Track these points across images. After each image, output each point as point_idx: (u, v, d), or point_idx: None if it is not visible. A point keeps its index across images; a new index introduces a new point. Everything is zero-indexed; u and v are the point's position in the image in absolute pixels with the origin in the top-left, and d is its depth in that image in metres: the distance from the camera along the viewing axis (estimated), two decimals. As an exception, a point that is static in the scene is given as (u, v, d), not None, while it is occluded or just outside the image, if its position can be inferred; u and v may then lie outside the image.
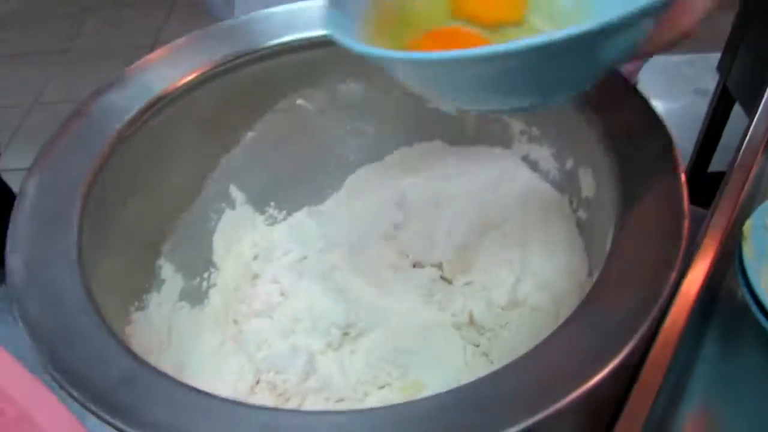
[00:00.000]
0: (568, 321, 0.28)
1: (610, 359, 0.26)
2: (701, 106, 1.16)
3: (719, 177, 0.50)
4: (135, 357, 0.29)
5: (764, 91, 0.57)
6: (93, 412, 0.27)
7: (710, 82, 1.14)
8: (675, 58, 1.48)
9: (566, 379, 0.25)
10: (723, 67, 1.03)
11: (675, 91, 1.44)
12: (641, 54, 0.30)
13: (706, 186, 0.50)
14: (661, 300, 0.28)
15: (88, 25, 2.12)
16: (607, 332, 0.27)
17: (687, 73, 1.47)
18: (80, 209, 0.37)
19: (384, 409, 0.26)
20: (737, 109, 1.05)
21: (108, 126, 0.41)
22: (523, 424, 0.24)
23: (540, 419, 0.24)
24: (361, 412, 0.27)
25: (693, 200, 0.54)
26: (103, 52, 1.95)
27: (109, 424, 0.26)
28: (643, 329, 0.27)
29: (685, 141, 1.18)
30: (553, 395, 0.25)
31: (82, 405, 0.27)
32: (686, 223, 0.31)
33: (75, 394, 0.27)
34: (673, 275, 0.29)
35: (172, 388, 0.28)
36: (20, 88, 1.89)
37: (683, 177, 0.33)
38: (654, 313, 0.27)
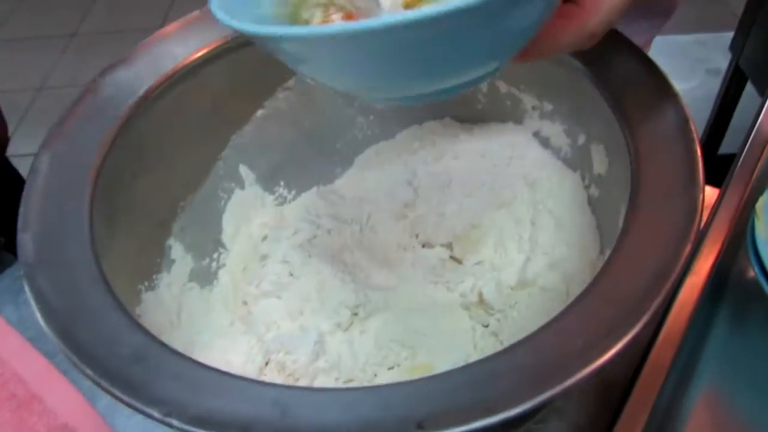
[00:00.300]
0: (582, 296, 0.28)
1: (623, 334, 0.26)
2: (713, 87, 1.14)
3: (731, 159, 0.49)
4: (146, 334, 0.29)
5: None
6: (105, 389, 0.27)
7: (722, 61, 1.12)
8: (687, 38, 1.46)
9: (579, 355, 0.25)
10: (736, 47, 1.02)
11: (686, 71, 1.42)
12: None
13: (716, 167, 0.50)
14: (675, 274, 0.27)
15: (96, 9, 2.12)
16: (620, 307, 0.27)
17: (699, 53, 1.45)
18: (91, 188, 0.36)
19: (394, 386, 0.26)
20: (748, 90, 1.04)
21: (118, 104, 0.41)
22: (536, 400, 0.24)
23: (551, 396, 0.24)
24: (372, 388, 0.27)
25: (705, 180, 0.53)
26: (111, 36, 1.94)
27: (121, 400, 0.26)
28: (656, 304, 0.26)
29: (696, 121, 1.17)
30: (566, 371, 0.25)
31: (94, 382, 0.27)
32: (701, 197, 0.30)
33: (87, 371, 0.27)
34: (688, 249, 0.28)
35: (184, 364, 0.28)
36: (27, 73, 1.89)
37: (699, 151, 0.32)
38: (668, 287, 0.27)
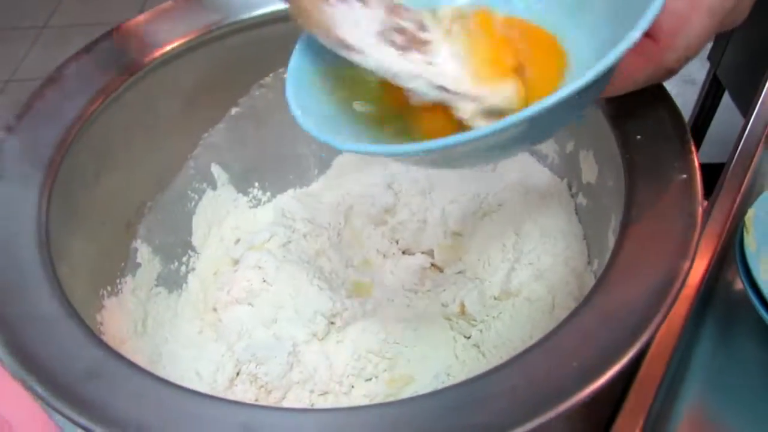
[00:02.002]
0: (575, 313, 0.26)
1: (621, 356, 0.24)
2: (689, 96, 1.14)
3: (707, 168, 0.48)
4: (104, 347, 0.27)
5: (759, 80, 0.55)
6: (55, 408, 0.24)
7: (698, 71, 1.13)
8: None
9: (574, 377, 0.24)
10: (714, 57, 1.02)
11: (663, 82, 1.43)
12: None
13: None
14: (675, 292, 0.26)
15: (67, 1, 2.06)
16: (617, 326, 0.25)
17: (676, 63, 1.46)
18: (48, 188, 0.34)
19: (375, 408, 0.24)
20: (726, 100, 1.04)
21: (81, 96, 0.38)
22: (528, 426, 0.22)
23: (545, 421, 0.22)
24: (351, 410, 0.25)
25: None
26: (83, 29, 1.89)
27: (73, 421, 0.24)
28: (656, 323, 0.25)
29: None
30: (560, 395, 0.23)
31: (44, 400, 0.24)
32: (700, 210, 0.29)
33: (36, 387, 0.25)
34: (687, 265, 0.27)
35: (145, 381, 0.26)
36: (-5, 65, 1.83)
37: (697, 162, 0.31)
38: (667, 305, 0.26)
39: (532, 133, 0.26)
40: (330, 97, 0.30)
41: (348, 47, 0.27)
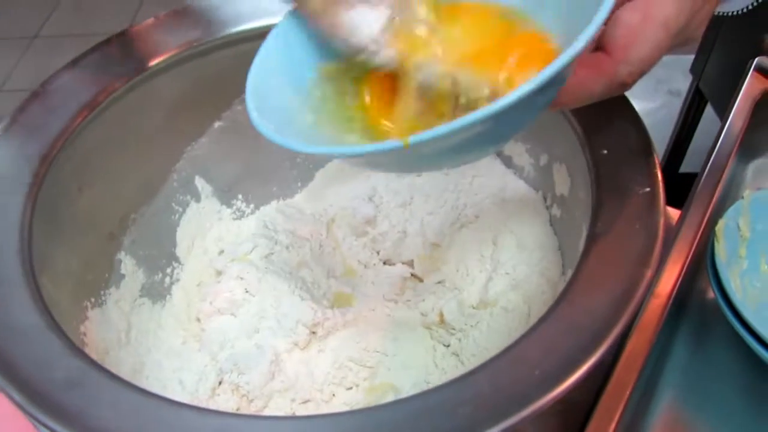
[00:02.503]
0: (540, 322, 0.27)
1: (581, 363, 0.25)
2: (675, 107, 1.16)
3: (691, 178, 0.49)
4: (83, 358, 0.28)
5: (736, 92, 0.57)
6: (34, 417, 0.25)
7: (684, 83, 1.15)
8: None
9: (537, 384, 0.24)
10: (696, 69, 1.04)
11: (649, 92, 1.44)
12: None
13: (677, 187, 0.50)
14: (636, 300, 0.27)
15: (59, 11, 2.07)
16: (579, 335, 0.26)
17: (661, 74, 1.48)
18: (31, 200, 0.35)
19: (346, 415, 0.25)
20: (709, 111, 1.06)
21: (65, 110, 0.39)
22: (514, 419, 0.23)
23: (509, 426, 0.23)
24: (323, 417, 0.25)
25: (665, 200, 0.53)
26: (74, 39, 1.90)
27: (51, 429, 0.24)
28: (616, 333, 0.26)
29: (658, 142, 1.18)
30: (523, 401, 0.24)
31: (22, 408, 0.25)
32: (662, 222, 0.30)
33: (15, 395, 0.25)
34: (649, 274, 0.28)
35: (122, 391, 0.26)
36: (-14, 75, 1.83)
37: (660, 174, 0.32)
38: (628, 315, 0.26)
39: (491, 133, 0.26)
40: (291, 99, 0.30)
41: (359, 49, 0.28)
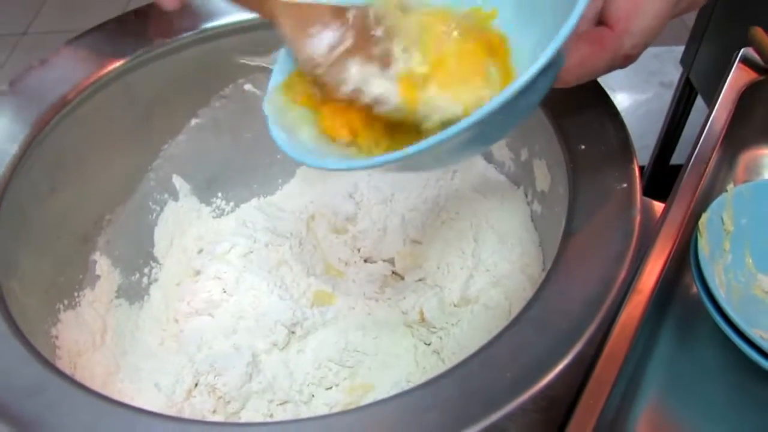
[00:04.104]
0: (513, 323, 0.27)
1: (553, 366, 0.24)
2: (667, 99, 1.15)
3: (679, 170, 0.49)
4: (46, 365, 0.27)
5: (721, 84, 0.56)
6: (-9, 426, 0.24)
7: (676, 75, 1.14)
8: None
9: (507, 388, 0.24)
10: (686, 60, 1.03)
11: (641, 84, 1.44)
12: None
13: (668, 178, 0.49)
14: (610, 298, 0.26)
15: (47, 8, 2.05)
16: (551, 336, 0.25)
17: (653, 66, 1.47)
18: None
19: (310, 421, 0.24)
20: (701, 103, 1.05)
21: (33, 110, 0.38)
22: (483, 424, 0.22)
23: (480, 429, 0.23)
24: (284, 424, 0.25)
25: (655, 193, 0.53)
26: (62, 36, 1.87)
27: (9, 439, 0.24)
28: (590, 332, 0.25)
29: (650, 134, 1.18)
30: (492, 406, 0.23)
31: (-20, 418, 0.24)
32: (638, 219, 0.29)
33: (-27, 405, 0.25)
34: (623, 272, 0.27)
35: (84, 398, 0.26)
36: (-25, 72, 1.82)
37: (637, 171, 0.31)
38: (601, 315, 0.26)
39: (484, 134, 0.27)
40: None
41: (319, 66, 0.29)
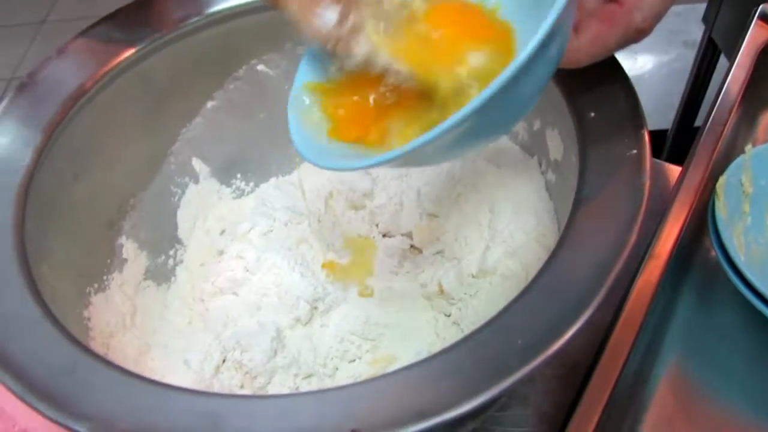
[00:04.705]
0: (524, 292, 0.27)
1: (563, 332, 0.25)
2: (690, 59, 1.13)
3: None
4: (78, 345, 0.28)
5: (740, 42, 0.55)
6: (28, 403, 0.26)
7: (698, 33, 1.11)
8: (662, 10, 1.44)
9: (518, 355, 0.24)
10: (708, 18, 1.00)
11: (663, 44, 1.41)
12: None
13: (692, 140, 0.49)
14: (620, 263, 0.27)
15: (65, -4, 2.07)
16: (562, 303, 0.26)
17: (674, 25, 1.43)
18: (24, 190, 0.35)
19: (330, 392, 0.25)
20: (724, 62, 1.03)
21: (54, 99, 0.39)
22: (471, 405, 0.23)
23: (488, 399, 0.23)
24: (307, 395, 0.26)
25: (680, 155, 0.52)
26: (81, 23, 1.89)
27: (45, 415, 0.25)
28: (599, 299, 0.26)
29: (673, 95, 1.16)
30: (503, 373, 0.24)
31: (18, 395, 0.26)
32: (648, 184, 0.29)
33: (10, 383, 0.26)
34: (633, 237, 0.28)
35: (116, 376, 0.27)
36: (-1, 63, 1.85)
37: (647, 136, 0.31)
38: (613, 276, 0.26)
39: (492, 120, 0.27)
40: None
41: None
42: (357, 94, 0.32)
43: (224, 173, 0.52)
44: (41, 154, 0.37)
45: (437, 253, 0.46)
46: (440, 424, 0.23)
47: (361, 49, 0.29)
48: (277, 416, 0.25)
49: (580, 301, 0.26)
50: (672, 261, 0.42)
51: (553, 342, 0.25)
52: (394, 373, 0.25)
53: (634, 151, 0.31)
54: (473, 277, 0.44)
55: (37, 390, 0.26)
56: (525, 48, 0.23)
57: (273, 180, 0.53)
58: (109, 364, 0.27)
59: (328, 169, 0.30)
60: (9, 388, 0.26)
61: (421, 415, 0.23)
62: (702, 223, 0.44)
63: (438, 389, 0.24)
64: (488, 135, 0.30)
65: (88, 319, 0.39)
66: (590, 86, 0.35)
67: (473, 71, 0.28)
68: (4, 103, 0.38)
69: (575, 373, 0.42)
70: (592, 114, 0.33)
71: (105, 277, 0.43)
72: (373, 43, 0.29)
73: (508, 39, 0.30)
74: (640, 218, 0.28)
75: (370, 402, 0.24)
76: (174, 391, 0.26)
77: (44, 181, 0.37)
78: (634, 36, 0.29)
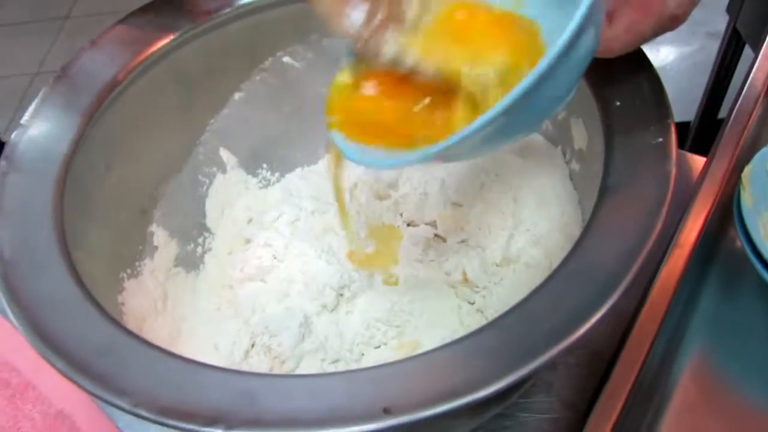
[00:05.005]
0: (550, 278, 0.28)
1: (589, 316, 0.25)
2: (713, 50, 1.12)
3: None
4: (117, 326, 0.29)
5: (765, 30, 0.55)
6: (73, 381, 0.27)
7: (722, 24, 1.10)
8: (685, 1, 1.43)
9: (545, 337, 0.25)
10: (732, 8, 0.99)
11: (686, 35, 1.39)
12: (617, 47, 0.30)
13: (715, 133, 0.49)
14: (646, 250, 0.27)
15: (88, -9, 2.09)
16: (588, 288, 0.26)
17: (697, 15, 1.41)
18: (62, 179, 0.36)
19: (362, 371, 0.26)
20: (747, 53, 1.02)
21: (87, 91, 0.41)
22: (499, 384, 0.24)
23: (516, 379, 0.24)
24: (340, 374, 0.27)
25: (702, 147, 0.52)
26: (105, 18, 1.92)
27: (89, 392, 0.26)
28: (624, 284, 0.26)
29: (697, 87, 1.15)
30: (531, 354, 0.25)
31: (63, 373, 0.27)
32: (674, 172, 0.30)
33: (56, 362, 0.27)
34: (659, 225, 0.28)
35: (154, 355, 0.28)
36: (24, 58, 1.88)
37: (673, 125, 0.32)
38: (638, 264, 0.27)
39: (524, 118, 0.27)
40: None
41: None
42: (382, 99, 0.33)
43: (250, 163, 0.52)
44: (77, 144, 0.38)
45: (461, 241, 0.47)
46: (471, 403, 0.23)
47: (389, 48, 0.30)
48: (310, 394, 0.25)
49: (606, 287, 0.26)
50: (697, 250, 0.42)
51: (579, 326, 0.25)
52: (423, 354, 0.26)
53: (660, 139, 0.31)
54: (497, 265, 0.45)
55: (80, 368, 0.27)
56: (556, 43, 0.23)
57: (298, 170, 0.54)
58: (147, 343, 0.28)
59: (375, 167, 0.31)
60: (54, 366, 0.27)
61: (453, 394, 0.23)
62: (727, 213, 0.44)
63: (467, 370, 0.25)
64: (519, 132, 0.30)
65: (122, 303, 0.41)
66: (615, 75, 0.35)
67: (501, 69, 0.29)
68: (42, 94, 0.40)
69: (599, 361, 0.43)
70: (618, 103, 0.33)
71: (137, 264, 0.44)
72: (401, 43, 0.30)
73: (534, 36, 0.30)
74: (665, 206, 0.28)
75: (401, 382, 0.25)
76: (210, 370, 0.27)
77: (80, 170, 0.38)
78: (669, 23, 0.30)
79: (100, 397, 0.26)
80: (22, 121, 0.38)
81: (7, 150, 0.37)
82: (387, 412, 0.24)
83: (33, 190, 0.35)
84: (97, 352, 0.28)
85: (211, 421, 0.25)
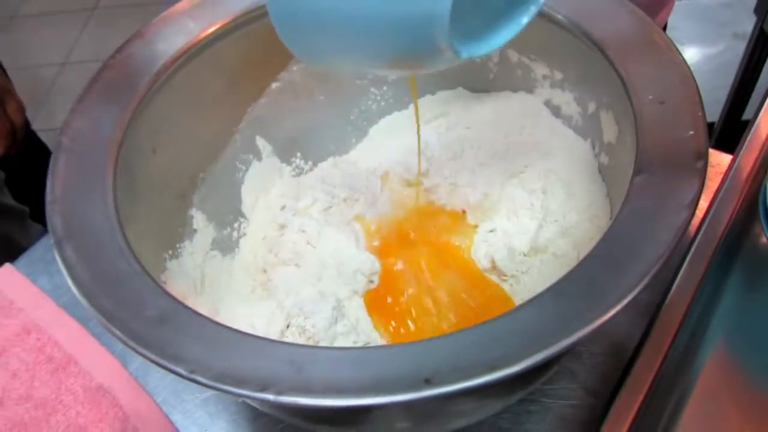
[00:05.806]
0: (583, 262, 0.29)
1: (621, 297, 0.27)
2: (739, 51, 1.12)
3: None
4: (171, 298, 0.31)
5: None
6: (133, 349, 0.28)
7: (748, 24, 1.10)
8: (712, 1, 1.43)
9: (579, 316, 0.26)
10: (760, 9, 0.99)
11: (712, 36, 1.39)
12: None
13: (739, 134, 0.50)
14: (674, 243, 0.28)
15: (115, -19, 2.12)
16: (619, 272, 0.28)
17: (724, 16, 1.41)
18: (113, 162, 0.38)
19: (404, 345, 0.28)
20: (775, 54, 1.02)
21: (135, 80, 0.42)
22: (536, 358, 0.25)
23: (551, 354, 0.25)
24: (384, 347, 0.28)
25: (725, 148, 0.53)
26: (131, 9, 1.95)
27: (148, 359, 0.28)
28: (654, 269, 0.27)
29: (722, 87, 1.15)
30: (566, 331, 0.26)
31: (123, 342, 0.29)
32: (704, 164, 0.31)
33: (116, 332, 0.29)
34: (689, 218, 0.29)
35: (206, 326, 0.30)
36: (51, 48, 1.91)
37: (703, 120, 0.33)
38: (668, 253, 0.28)
39: None
40: None
41: None
42: None
43: (285, 152, 0.54)
44: (126, 129, 0.40)
45: (490, 231, 0.48)
46: (509, 376, 0.25)
47: None
48: (355, 365, 0.27)
49: (637, 271, 0.28)
50: (722, 245, 0.43)
51: (612, 306, 0.26)
52: (462, 331, 0.28)
53: (691, 132, 0.32)
54: (525, 255, 0.46)
55: (138, 336, 0.29)
56: None
57: (331, 159, 0.55)
58: (200, 314, 0.30)
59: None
60: (115, 335, 0.29)
61: (493, 368, 0.25)
62: (752, 209, 0.45)
63: (505, 345, 0.26)
64: None
65: (165, 282, 0.42)
66: (646, 69, 0.36)
67: None
68: (92, 82, 0.41)
69: (622, 350, 0.44)
70: (650, 97, 0.34)
71: (178, 245, 0.46)
72: None
73: None
74: (696, 200, 0.29)
75: (441, 356, 0.26)
76: (259, 340, 0.29)
77: (129, 154, 0.40)
78: None
79: (158, 363, 0.28)
80: (74, 106, 0.40)
81: (61, 133, 0.39)
82: (428, 382, 0.26)
83: (87, 170, 0.37)
84: (154, 322, 0.30)
85: (262, 388, 0.26)
